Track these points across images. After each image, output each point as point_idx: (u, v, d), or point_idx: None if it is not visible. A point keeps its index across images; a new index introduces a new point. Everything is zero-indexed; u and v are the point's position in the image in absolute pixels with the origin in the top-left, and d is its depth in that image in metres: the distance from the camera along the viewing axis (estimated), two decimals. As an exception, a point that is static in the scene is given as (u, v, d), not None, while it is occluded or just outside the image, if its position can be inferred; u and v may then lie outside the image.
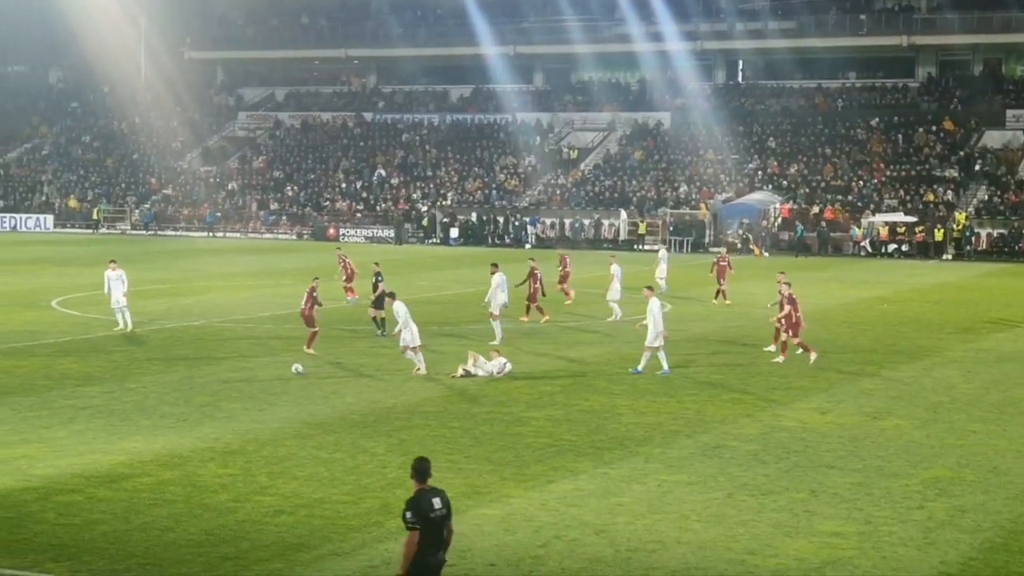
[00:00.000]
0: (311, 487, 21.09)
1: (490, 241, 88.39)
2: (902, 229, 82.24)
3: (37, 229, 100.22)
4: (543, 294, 43.68)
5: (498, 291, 38.59)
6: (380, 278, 40.24)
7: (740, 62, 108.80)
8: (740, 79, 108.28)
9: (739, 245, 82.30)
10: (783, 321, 35.16)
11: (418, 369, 32.11)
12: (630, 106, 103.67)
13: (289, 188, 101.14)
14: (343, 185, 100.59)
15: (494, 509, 19.96)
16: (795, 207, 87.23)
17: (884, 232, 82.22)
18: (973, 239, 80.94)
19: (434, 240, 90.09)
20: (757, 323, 43.81)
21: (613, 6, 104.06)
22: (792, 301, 35.09)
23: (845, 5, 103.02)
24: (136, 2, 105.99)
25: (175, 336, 38.68)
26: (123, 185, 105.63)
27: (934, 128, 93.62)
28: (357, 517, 19.45)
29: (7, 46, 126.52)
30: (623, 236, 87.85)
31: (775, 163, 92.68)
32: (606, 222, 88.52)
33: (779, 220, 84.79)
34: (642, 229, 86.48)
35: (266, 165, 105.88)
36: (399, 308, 32.10)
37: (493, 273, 39.24)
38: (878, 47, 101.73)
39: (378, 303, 39.16)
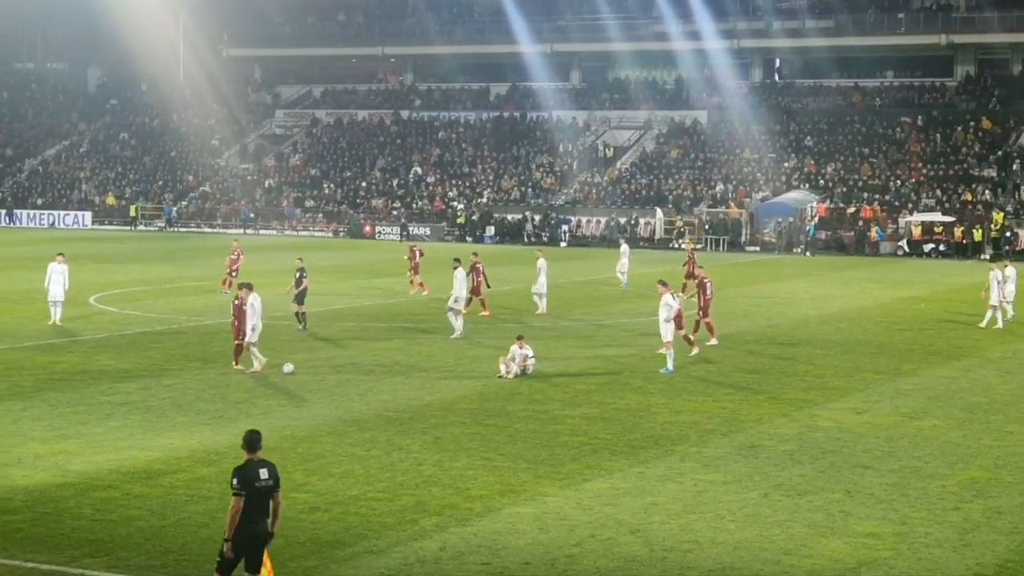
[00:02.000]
0: (346, 484, 21.13)
1: (526, 240, 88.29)
2: (939, 229, 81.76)
3: (75, 226, 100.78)
4: (488, 285, 44.52)
5: (461, 286, 39.24)
6: (303, 274, 40.11)
7: (777, 60, 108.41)
8: (777, 77, 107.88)
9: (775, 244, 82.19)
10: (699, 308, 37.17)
11: (254, 369, 31.61)
12: (667, 104, 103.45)
13: (326, 185, 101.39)
14: (379, 183, 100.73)
15: (529, 507, 19.96)
16: (832, 206, 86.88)
17: (917, 232, 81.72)
18: (1011, 239, 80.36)
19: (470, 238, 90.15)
20: (794, 322, 43.72)
21: (651, 4, 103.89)
22: (702, 285, 37.44)
23: (883, 4, 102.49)
24: (175, 0, 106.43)
25: (211, 333, 38.84)
26: (161, 182, 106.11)
27: (972, 127, 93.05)
28: (392, 515, 19.47)
29: (47, 43, 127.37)
30: (659, 235, 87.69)
31: (812, 162, 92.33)
32: (642, 220, 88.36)
33: (816, 219, 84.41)
34: (679, 224, 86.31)
35: (303, 162, 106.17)
36: (255, 302, 31.66)
37: (455, 268, 39.65)
38: (916, 46, 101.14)
39: (299, 298, 39.36)
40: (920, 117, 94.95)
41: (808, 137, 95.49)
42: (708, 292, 37.56)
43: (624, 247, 58.62)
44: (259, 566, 15.00)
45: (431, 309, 45.00)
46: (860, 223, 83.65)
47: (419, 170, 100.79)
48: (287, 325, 40.71)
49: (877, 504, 20.44)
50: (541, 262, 46.10)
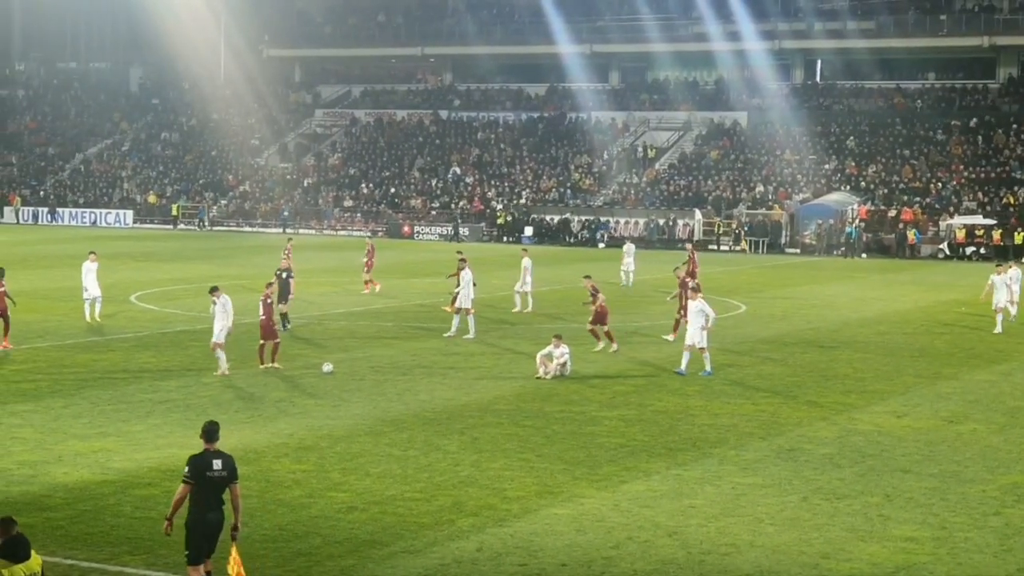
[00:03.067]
0: (384, 484, 21.18)
1: (566, 240, 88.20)
2: (980, 232, 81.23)
3: (117, 225, 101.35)
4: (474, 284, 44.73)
5: (469, 286, 39.19)
6: (290, 274, 40.08)
7: (819, 62, 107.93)
8: (818, 79, 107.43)
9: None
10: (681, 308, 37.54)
11: (222, 371, 31.27)
12: (706, 105, 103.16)
13: (364, 185, 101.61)
14: (418, 183, 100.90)
15: (566, 509, 19.95)
16: (873, 208, 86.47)
17: (961, 235, 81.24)
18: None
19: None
20: (834, 325, 43.55)
21: (690, 5, 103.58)
22: (684, 286, 38.19)
23: (925, 5, 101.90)
24: (217, 0, 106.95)
25: (250, 332, 38.91)
26: (201, 181, 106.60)
27: (1014, 129, 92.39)
28: (429, 515, 19.50)
29: (90, 43, 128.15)
30: (698, 236, 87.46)
31: (853, 164, 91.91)
32: (680, 222, 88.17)
33: (858, 221, 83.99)
34: (719, 229, 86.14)
35: (342, 162, 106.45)
36: (225, 303, 31.36)
37: (461, 268, 39.71)
38: (958, 48, 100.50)
39: (283, 297, 39.12)
40: (961, 119, 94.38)
41: (849, 139, 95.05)
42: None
43: (628, 246, 58.89)
44: (206, 556, 15.40)
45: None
46: (901, 225, 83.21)
47: (458, 170, 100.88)
48: (325, 325, 40.82)
49: (916, 508, 20.34)
50: (526, 261, 46.46)
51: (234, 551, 15.26)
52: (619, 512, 19.81)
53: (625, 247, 58.69)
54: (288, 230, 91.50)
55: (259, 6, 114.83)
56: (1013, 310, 43.79)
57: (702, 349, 32.60)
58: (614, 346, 36.19)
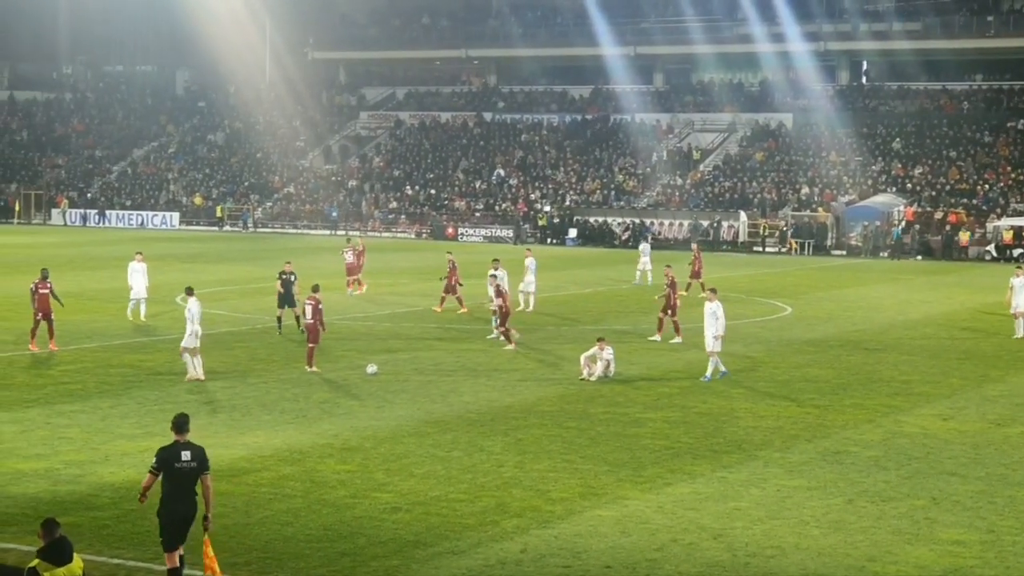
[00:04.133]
0: (428, 485, 21.20)
1: (610, 242, 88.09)
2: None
3: (163, 226, 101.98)
4: (460, 284, 45.62)
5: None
6: (294, 277, 39.72)
7: (864, 63, 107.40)
8: (864, 80, 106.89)
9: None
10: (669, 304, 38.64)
11: (196, 376, 30.68)
12: (751, 107, 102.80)
13: (408, 187, 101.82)
14: (462, 184, 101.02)
15: (610, 511, 19.92)
16: (919, 210, 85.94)
17: (1009, 236, 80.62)
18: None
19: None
20: (880, 327, 43.30)
21: (735, 6, 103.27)
22: (673, 285, 38.96)
23: (972, 6, 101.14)
24: (261, 4, 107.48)
25: (295, 334, 39.12)
26: (247, 184, 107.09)
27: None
28: (473, 516, 19.51)
29: (136, 47, 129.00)
30: (742, 238, 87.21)
31: (899, 165, 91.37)
32: (725, 223, 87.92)
33: (903, 223, 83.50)
34: (764, 231, 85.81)
35: (386, 164, 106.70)
36: (192, 307, 30.85)
37: (496, 270, 39.98)
38: (1006, 49, 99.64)
39: (283, 302, 39.08)
40: (1009, 121, 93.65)
41: (895, 140, 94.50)
42: (677, 292, 39.41)
43: (644, 246, 59.66)
44: (179, 544, 15.69)
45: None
46: (947, 227, 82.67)
47: (502, 172, 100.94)
48: (370, 327, 40.91)
49: (963, 511, 20.19)
50: (529, 261, 46.66)
51: (206, 542, 15.46)
52: (663, 514, 19.76)
53: (641, 247, 59.69)
54: (338, 232, 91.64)
55: (303, 9, 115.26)
56: None
57: (711, 353, 32.19)
58: (677, 338, 37.72)
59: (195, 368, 30.77)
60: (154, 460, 15.72)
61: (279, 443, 24.00)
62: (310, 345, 32.44)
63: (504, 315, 37.57)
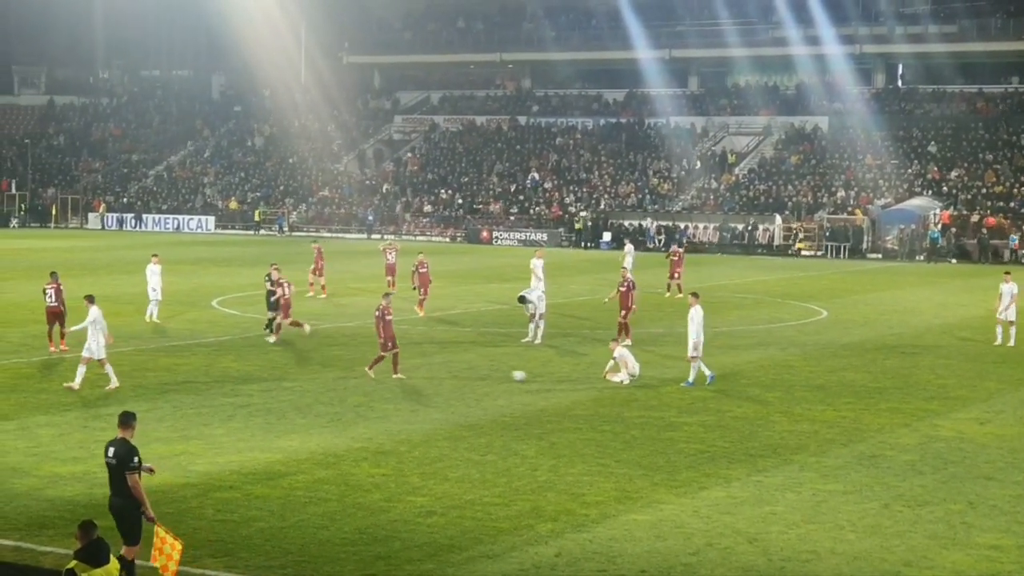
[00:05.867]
0: (462, 488, 21.22)
1: (645, 246, 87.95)
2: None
3: (199, 230, 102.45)
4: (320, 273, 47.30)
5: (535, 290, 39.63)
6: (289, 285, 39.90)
7: (900, 66, 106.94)
8: (899, 83, 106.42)
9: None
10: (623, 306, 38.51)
11: (115, 385, 29.77)
12: (786, 110, 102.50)
13: (443, 191, 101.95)
14: (497, 188, 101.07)
15: (645, 515, 19.89)
16: (955, 213, 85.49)
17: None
18: None
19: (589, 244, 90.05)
20: (916, 331, 43.12)
21: (770, 9, 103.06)
22: (629, 287, 38.76)
23: (1009, 8, 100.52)
24: (297, 8, 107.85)
25: (330, 337, 39.23)
26: (282, 188, 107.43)
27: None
28: (508, 520, 19.51)
29: (172, 51, 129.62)
30: (777, 241, 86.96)
31: (935, 168, 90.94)
32: (760, 227, 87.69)
33: (939, 226, 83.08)
34: (800, 235, 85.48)
35: (420, 168, 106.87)
36: (96, 316, 29.98)
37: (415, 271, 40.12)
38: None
39: (277, 307, 38.80)
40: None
41: (931, 143, 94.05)
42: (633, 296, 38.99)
43: (628, 247, 59.72)
44: (124, 536, 16.18)
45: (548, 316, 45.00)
46: (984, 231, 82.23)
47: (536, 176, 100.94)
48: (405, 330, 40.98)
49: (1000, 516, 20.08)
50: (536, 261, 46.62)
51: (156, 533, 15.73)
52: (699, 518, 19.72)
53: (626, 247, 59.35)
54: (374, 236, 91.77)
55: (338, 14, 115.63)
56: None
57: (693, 359, 31.44)
58: (627, 340, 36.74)
59: (112, 376, 29.83)
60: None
61: (314, 446, 24.06)
62: (380, 353, 32.12)
63: (627, 309, 38.26)
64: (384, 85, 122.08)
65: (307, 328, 38.82)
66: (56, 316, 35.56)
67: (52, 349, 35.37)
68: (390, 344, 31.86)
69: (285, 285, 38.48)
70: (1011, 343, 39.57)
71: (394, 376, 31.70)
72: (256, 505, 20.09)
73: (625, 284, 39.05)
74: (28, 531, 18.64)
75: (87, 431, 25.24)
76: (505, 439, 24.98)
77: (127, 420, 16.48)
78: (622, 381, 31.35)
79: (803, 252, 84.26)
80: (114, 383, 29.87)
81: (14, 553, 17.72)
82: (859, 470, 22.91)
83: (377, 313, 32.20)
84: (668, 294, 52.80)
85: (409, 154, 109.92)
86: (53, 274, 36.60)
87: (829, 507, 20.44)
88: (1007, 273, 41.69)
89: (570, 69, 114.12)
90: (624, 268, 51.78)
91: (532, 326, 38.79)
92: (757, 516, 19.87)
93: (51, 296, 35.68)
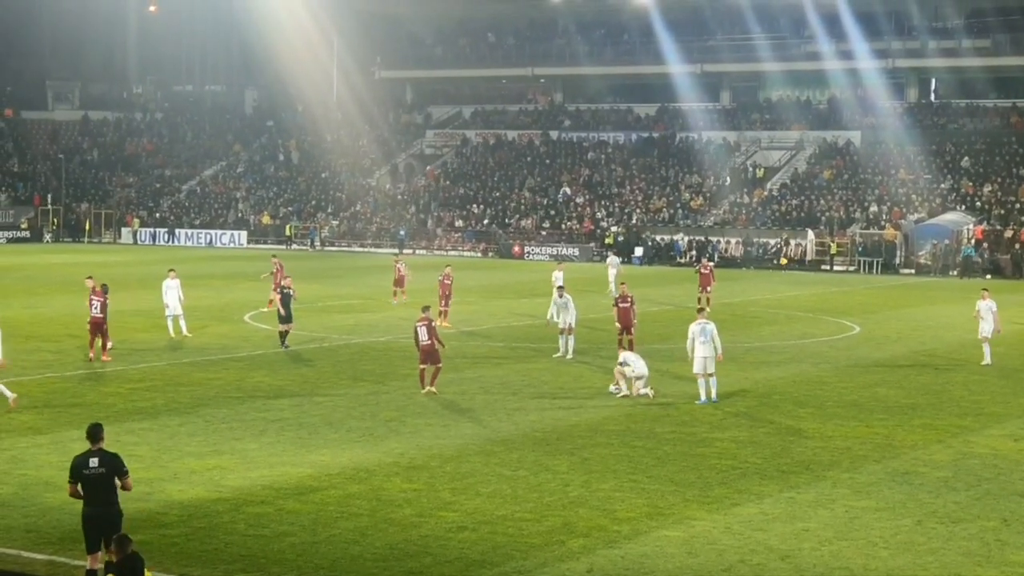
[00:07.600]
0: (494, 504, 21.21)
1: (677, 260, 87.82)
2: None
3: (231, 245, 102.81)
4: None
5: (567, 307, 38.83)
6: (294, 292, 40.41)
7: (933, 80, 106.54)
8: (933, 98, 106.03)
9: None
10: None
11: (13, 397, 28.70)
12: (819, 124, 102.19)
13: (475, 205, 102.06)
14: (528, 203, 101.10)
15: (677, 531, 19.85)
16: (989, 228, 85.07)
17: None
18: None
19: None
20: (949, 347, 42.91)
21: (802, 24, 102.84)
22: (629, 300, 38.08)
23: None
24: (330, 24, 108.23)
25: (362, 351, 39.30)
26: (314, 202, 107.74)
27: None
28: (539, 535, 19.50)
29: (204, 67, 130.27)
30: (810, 256, 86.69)
31: (968, 183, 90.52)
32: (792, 241, 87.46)
33: (972, 241, 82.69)
34: (833, 249, 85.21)
35: (452, 182, 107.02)
36: None
37: (560, 295, 39.35)
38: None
39: (291, 319, 39.58)
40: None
41: (965, 158, 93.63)
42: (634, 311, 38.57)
43: (612, 259, 59.96)
44: (97, 547, 16.26)
45: (579, 331, 44.97)
46: (1017, 246, 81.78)
47: (568, 190, 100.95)
48: (452, 345, 40.96)
49: (1035, 534, 19.96)
50: (556, 273, 47.04)
51: None
52: (731, 535, 19.66)
53: (609, 259, 59.41)
54: (405, 251, 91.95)
55: (370, 29, 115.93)
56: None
57: (709, 375, 31.23)
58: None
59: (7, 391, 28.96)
60: (70, 471, 16.58)
61: (346, 461, 24.10)
62: (420, 366, 32.10)
63: (627, 325, 37.81)
64: (416, 100, 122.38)
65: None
66: (98, 327, 35.92)
67: (91, 356, 35.68)
68: (435, 358, 31.76)
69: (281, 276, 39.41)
70: (986, 360, 38.47)
71: (424, 390, 31.66)
72: (288, 520, 20.13)
73: (626, 299, 38.21)
74: (61, 545, 18.72)
75: (119, 446, 25.22)
76: (537, 454, 24.96)
77: (100, 432, 16.74)
78: (639, 393, 31.20)
79: (829, 266, 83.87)
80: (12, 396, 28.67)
81: (47, 567, 17.82)
82: (892, 487, 22.81)
83: (423, 327, 31.84)
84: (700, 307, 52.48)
85: (428, 167, 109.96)
86: (104, 286, 36.80)
87: (862, 524, 20.35)
88: (985, 290, 41.07)
89: (602, 83, 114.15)
90: (621, 284, 51.81)
91: (563, 340, 38.77)
92: (789, 533, 19.80)
93: (97, 307, 35.97)
